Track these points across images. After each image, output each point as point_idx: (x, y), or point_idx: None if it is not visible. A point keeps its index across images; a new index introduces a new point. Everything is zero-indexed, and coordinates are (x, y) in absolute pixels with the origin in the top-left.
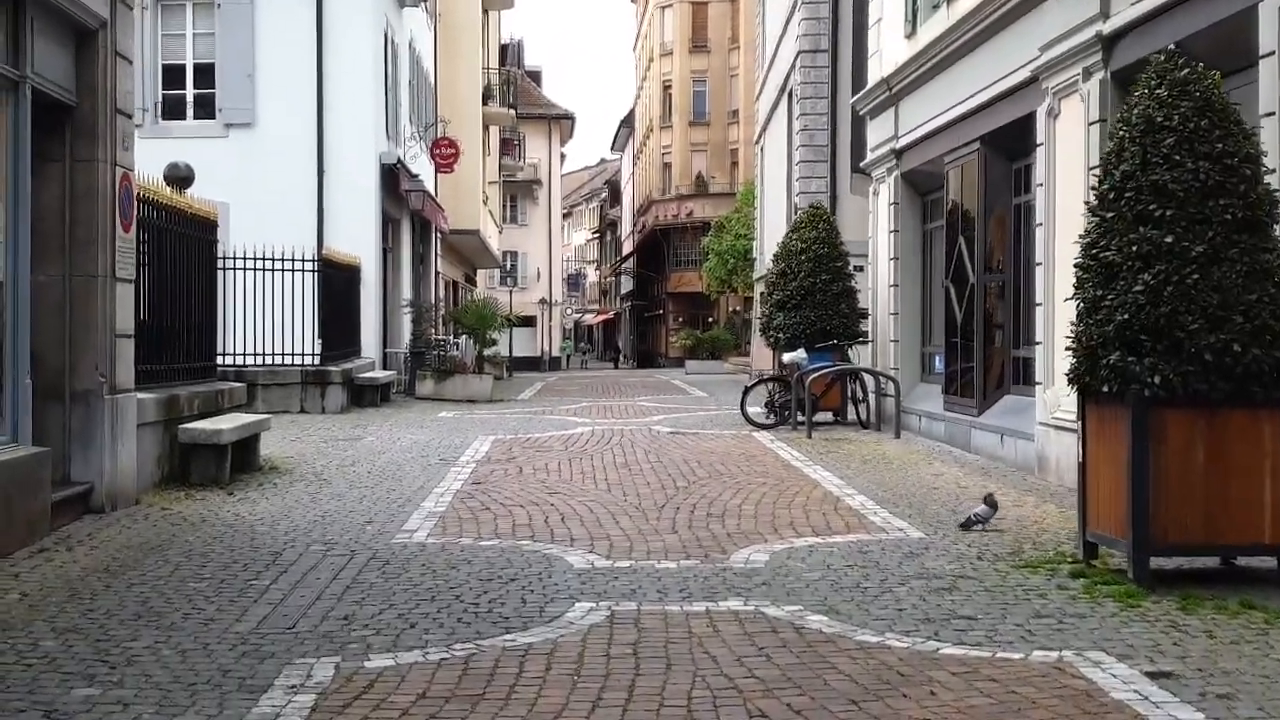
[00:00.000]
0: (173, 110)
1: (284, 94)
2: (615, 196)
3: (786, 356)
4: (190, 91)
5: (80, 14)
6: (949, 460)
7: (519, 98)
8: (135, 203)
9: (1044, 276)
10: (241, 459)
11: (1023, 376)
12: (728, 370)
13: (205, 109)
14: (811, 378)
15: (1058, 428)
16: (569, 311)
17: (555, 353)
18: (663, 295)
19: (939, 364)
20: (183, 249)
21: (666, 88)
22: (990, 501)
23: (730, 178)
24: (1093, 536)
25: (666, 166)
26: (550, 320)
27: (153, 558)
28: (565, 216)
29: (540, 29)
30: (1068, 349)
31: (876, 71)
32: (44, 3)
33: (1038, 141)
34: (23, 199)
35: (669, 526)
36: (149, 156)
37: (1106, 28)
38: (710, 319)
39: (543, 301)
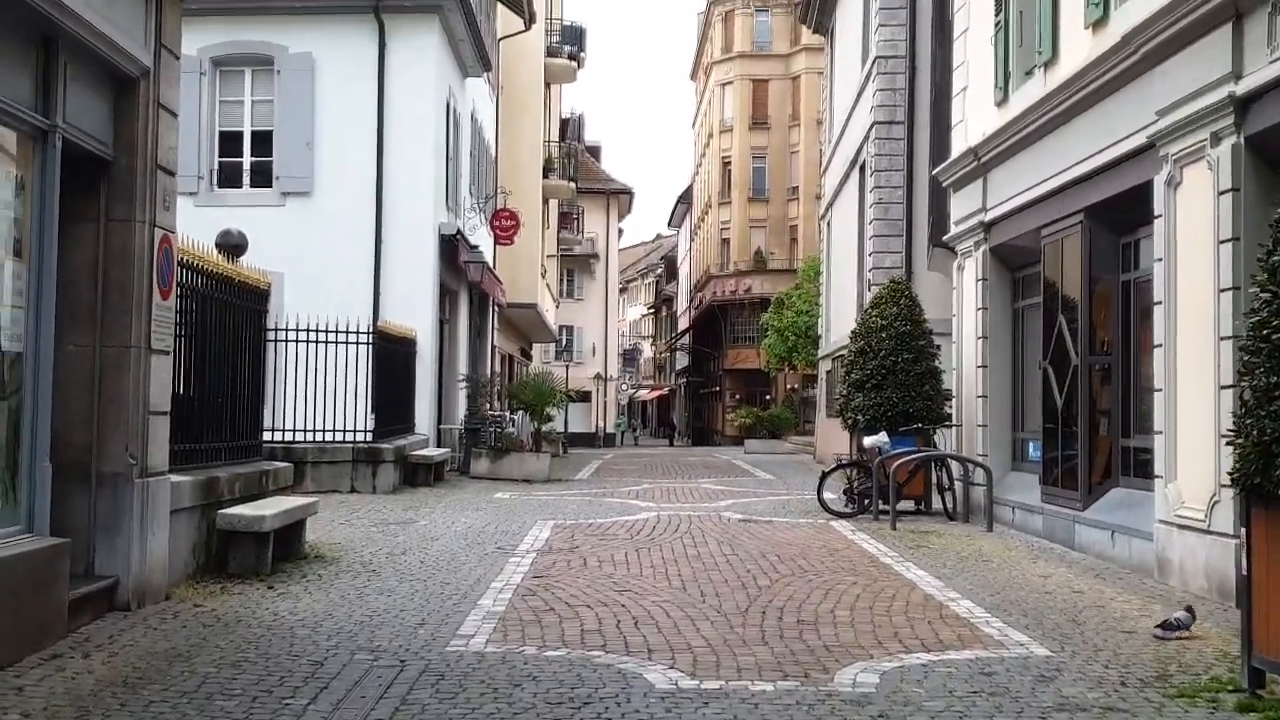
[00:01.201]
0: (229, 178)
1: (343, 162)
2: (671, 272)
3: (867, 440)
4: (247, 159)
5: (120, 61)
6: (1053, 559)
7: (578, 172)
8: (176, 267)
9: (1164, 359)
10: (285, 546)
11: (1133, 468)
12: (788, 450)
13: (262, 177)
14: (896, 464)
15: (1182, 527)
16: (624, 387)
17: (610, 429)
18: (719, 372)
19: (1033, 451)
20: (229, 319)
21: (726, 163)
22: (1190, 610)
23: (790, 254)
24: (1259, 662)
25: (725, 242)
26: (605, 396)
27: (178, 667)
28: (621, 292)
29: (599, 104)
30: (1228, 444)
31: (961, 141)
32: (80, 46)
33: (1155, 213)
34: (48, 260)
35: (757, 635)
36: (204, 224)
37: (1240, 88)
38: (768, 396)
39: (598, 377)
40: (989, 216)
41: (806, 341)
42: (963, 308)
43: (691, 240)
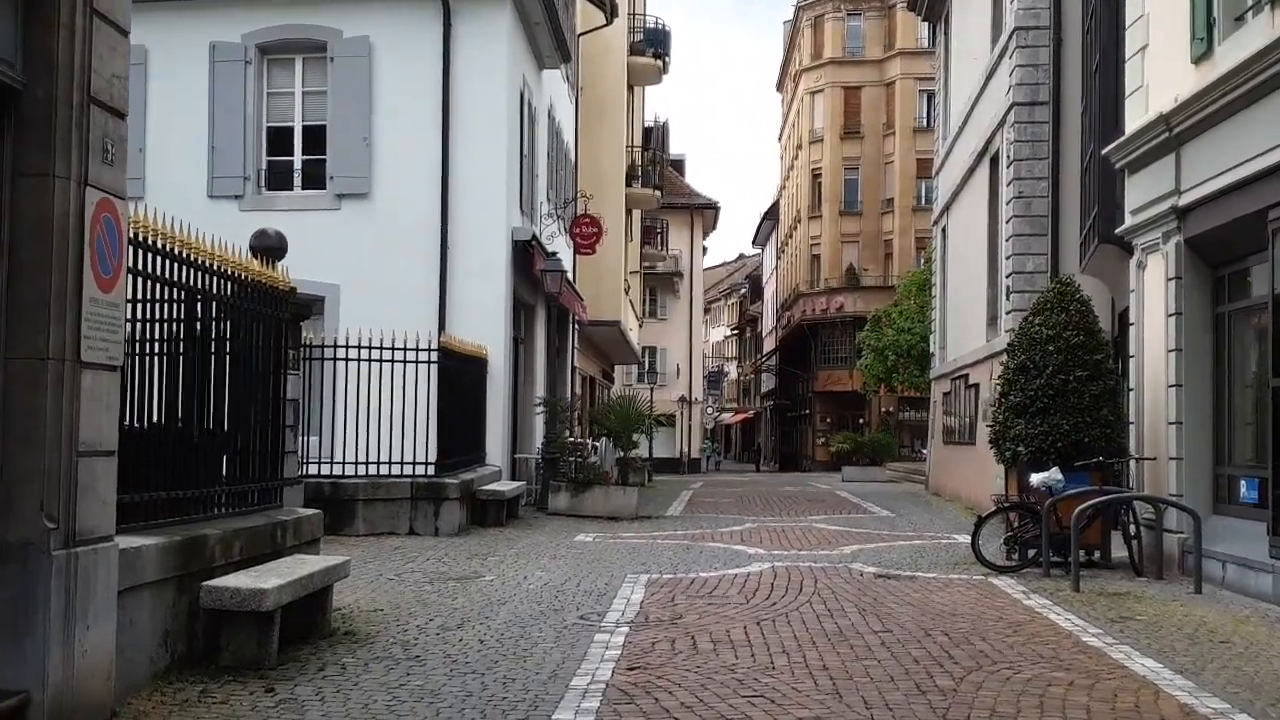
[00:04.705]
0: (278, 179)
1: (405, 160)
2: (756, 292)
3: (1035, 478)
4: (298, 158)
5: None
6: None
7: (663, 180)
8: (125, 246)
9: None
10: (303, 622)
11: None
12: (889, 479)
13: (315, 178)
14: (1078, 508)
15: None
16: (709, 411)
17: (695, 454)
18: (808, 394)
19: (1247, 491)
20: (237, 327)
21: (816, 176)
22: None
23: (884, 270)
24: None
25: (815, 258)
26: (690, 420)
27: None
28: (705, 312)
29: (681, 118)
30: None
31: (1140, 112)
32: None
33: None
34: None
35: None
36: (251, 231)
37: None
38: (861, 420)
39: (682, 400)
40: (1184, 200)
41: (909, 361)
42: (1144, 315)
43: (778, 257)
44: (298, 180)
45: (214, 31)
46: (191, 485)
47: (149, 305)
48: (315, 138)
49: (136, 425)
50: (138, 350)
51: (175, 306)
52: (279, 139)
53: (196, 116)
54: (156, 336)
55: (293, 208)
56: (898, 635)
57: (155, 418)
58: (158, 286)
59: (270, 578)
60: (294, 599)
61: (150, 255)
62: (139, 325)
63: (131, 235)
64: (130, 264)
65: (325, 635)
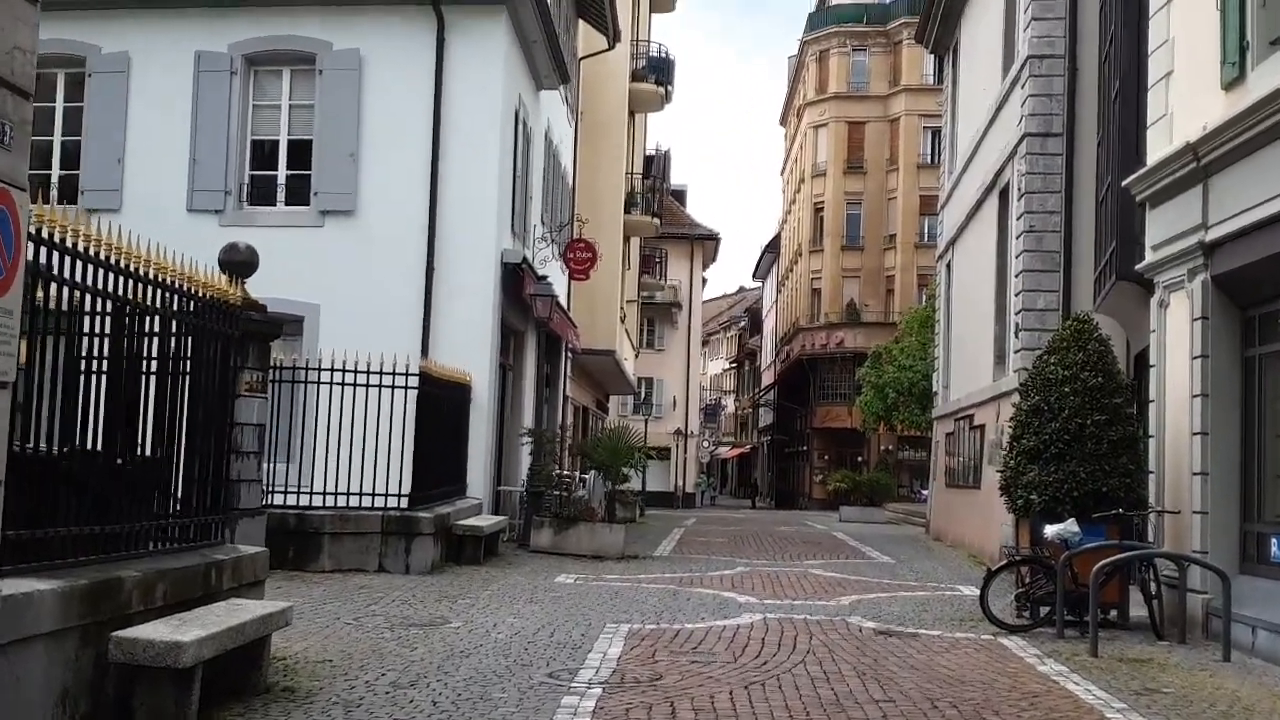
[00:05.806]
0: (261, 194)
1: (392, 177)
2: (755, 325)
3: (1050, 530)
4: (283, 172)
5: None
6: None
7: (663, 209)
8: (24, 244)
9: None
10: (236, 675)
11: None
12: (888, 519)
13: (299, 194)
14: (1098, 564)
15: None
16: (705, 444)
17: (690, 488)
18: (806, 430)
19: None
20: (176, 342)
21: (818, 209)
22: None
23: (885, 306)
24: None
25: (815, 293)
26: (686, 453)
27: None
28: (703, 345)
29: (682, 150)
30: None
31: (1164, 141)
32: None
33: None
34: None
35: None
36: None
37: None
38: (860, 458)
39: (678, 433)
40: (1212, 235)
41: (910, 399)
42: (1167, 357)
43: (778, 291)
44: (281, 196)
45: (200, 40)
46: (111, 519)
47: (67, 316)
48: (301, 152)
49: (41, 451)
50: (48, 365)
51: (98, 318)
52: (263, 153)
53: (178, 127)
54: (76, 351)
55: (275, 224)
56: (901, 706)
57: (67, 443)
58: (76, 293)
59: (192, 628)
60: (220, 652)
61: (66, 257)
62: (49, 337)
63: (45, 235)
64: (43, 268)
65: (260, 692)
